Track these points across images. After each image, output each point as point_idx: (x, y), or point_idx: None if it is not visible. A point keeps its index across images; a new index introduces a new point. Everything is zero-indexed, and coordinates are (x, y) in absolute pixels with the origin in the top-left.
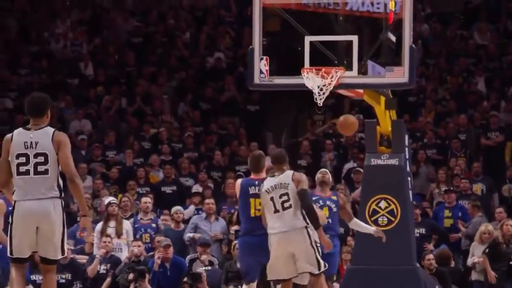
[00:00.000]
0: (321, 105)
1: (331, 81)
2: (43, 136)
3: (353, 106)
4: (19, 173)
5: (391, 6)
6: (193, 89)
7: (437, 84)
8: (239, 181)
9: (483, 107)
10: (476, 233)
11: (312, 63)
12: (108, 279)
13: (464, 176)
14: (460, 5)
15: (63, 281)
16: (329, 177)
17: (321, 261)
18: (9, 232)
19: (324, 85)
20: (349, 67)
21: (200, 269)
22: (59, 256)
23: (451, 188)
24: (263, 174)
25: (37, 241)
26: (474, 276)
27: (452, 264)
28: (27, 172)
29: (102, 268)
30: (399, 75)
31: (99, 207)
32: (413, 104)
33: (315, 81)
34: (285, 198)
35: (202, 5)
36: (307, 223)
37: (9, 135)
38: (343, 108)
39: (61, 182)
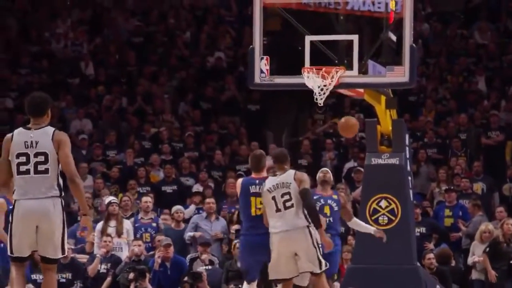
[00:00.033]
0: (322, 104)
1: (332, 80)
2: (43, 136)
3: (354, 105)
4: (19, 173)
5: (392, 5)
6: (193, 89)
7: (437, 83)
8: (239, 180)
9: (483, 106)
10: (476, 232)
11: (312, 63)
12: (109, 279)
13: (464, 175)
14: (461, 5)
15: (64, 280)
16: (330, 176)
17: (323, 261)
18: (9, 231)
19: (324, 85)
20: (349, 67)
21: (201, 268)
22: (59, 255)
23: (452, 188)
24: (264, 174)
25: (37, 240)
26: (474, 275)
27: (453, 263)
28: (27, 172)
29: (103, 268)
30: (400, 74)
31: (100, 206)
32: (413, 103)
33: (316, 81)
34: (287, 197)
35: (202, 5)
36: (309, 223)
37: (9, 135)
38: (344, 108)
39: (61, 181)
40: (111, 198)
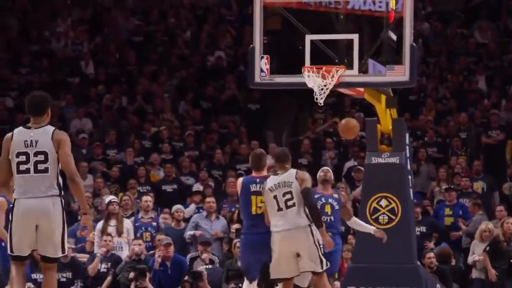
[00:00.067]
0: (322, 104)
1: (332, 79)
2: (43, 135)
3: (354, 104)
4: (19, 172)
5: (392, 4)
6: (193, 88)
7: (437, 82)
8: (240, 179)
9: (483, 105)
10: (476, 231)
11: (313, 62)
12: (109, 278)
13: (464, 175)
14: (461, 4)
15: (64, 279)
16: (331, 175)
17: (324, 260)
18: (9, 230)
19: (324, 84)
20: (349, 66)
21: (201, 267)
22: (59, 254)
23: (452, 187)
24: (265, 172)
25: (36, 239)
26: (474, 274)
27: (453, 262)
28: (27, 171)
29: (103, 267)
30: (400, 73)
31: (100, 205)
32: (413, 102)
33: (316, 80)
34: (288, 196)
35: (202, 4)
36: (311, 222)
37: (9, 134)
38: (344, 107)
39: (61, 180)
40: (111, 197)
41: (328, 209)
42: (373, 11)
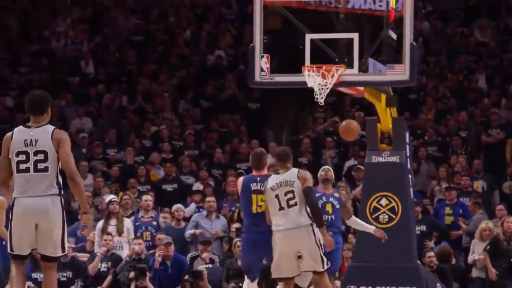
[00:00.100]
0: (322, 103)
1: (332, 79)
2: (42, 134)
3: (354, 103)
4: (19, 171)
5: (392, 3)
6: (193, 87)
7: (437, 81)
8: (241, 178)
9: (483, 104)
10: (476, 230)
11: (313, 61)
12: (109, 277)
13: (464, 173)
14: (461, 2)
15: (64, 279)
16: (331, 174)
17: (325, 259)
18: (9, 229)
19: (325, 83)
20: (350, 65)
21: (201, 267)
22: (59, 253)
23: (452, 186)
24: (265, 171)
25: (36, 238)
26: (474, 273)
27: (453, 261)
28: (27, 170)
29: (103, 266)
30: (400, 72)
31: (100, 205)
32: (413, 101)
33: (316, 79)
34: (290, 195)
35: (202, 3)
36: (312, 221)
37: (9, 133)
38: (344, 106)
39: (60, 179)
40: (111, 197)
41: (329, 208)
42: (373, 10)
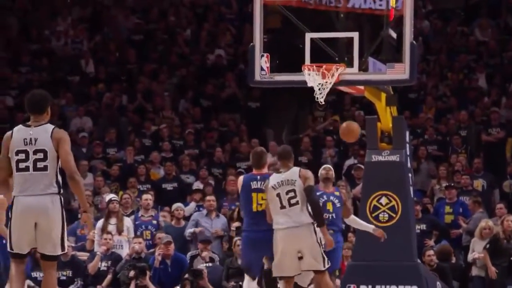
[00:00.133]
0: (322, 102)
1: (332, 78)
2: (42, 133)
3: (354, 102)
4: (18, 170)
5: (392, 2)
6: (193, 86)
7: (437, 80)
8: (241, 177)
9: (483, 103)
10: (476, 229)
11: (313, 60)
12: (109, 276)
13: (464, 172)
14: (461, 2)
15: (64, 278)
16: (332, 173)
17: (326, 258)
18: (8, 228)
19: (325, 82)
20: (350, 64)
21: (201, 265)
22: (59, 252)
23: (452, 184)
24: (265, 170)
25: (35, 237)
26: (474, 271)
27: (453, 260)
28: (26, 169)
29: (103, 265)
30: (400, 71)
31: (100, 204)
32: (413, 100)
33: (316, 78)
34: (292, 194)
35: (202, 2)
36: (313, 220)
37: (9, 132)
38: (344, 105)
39: (60, 178)
40: (111, 196)
41: (329, 206)
42: (373, 9)
